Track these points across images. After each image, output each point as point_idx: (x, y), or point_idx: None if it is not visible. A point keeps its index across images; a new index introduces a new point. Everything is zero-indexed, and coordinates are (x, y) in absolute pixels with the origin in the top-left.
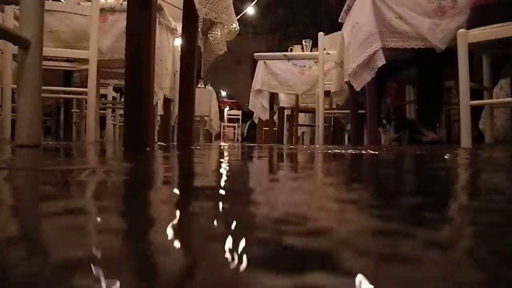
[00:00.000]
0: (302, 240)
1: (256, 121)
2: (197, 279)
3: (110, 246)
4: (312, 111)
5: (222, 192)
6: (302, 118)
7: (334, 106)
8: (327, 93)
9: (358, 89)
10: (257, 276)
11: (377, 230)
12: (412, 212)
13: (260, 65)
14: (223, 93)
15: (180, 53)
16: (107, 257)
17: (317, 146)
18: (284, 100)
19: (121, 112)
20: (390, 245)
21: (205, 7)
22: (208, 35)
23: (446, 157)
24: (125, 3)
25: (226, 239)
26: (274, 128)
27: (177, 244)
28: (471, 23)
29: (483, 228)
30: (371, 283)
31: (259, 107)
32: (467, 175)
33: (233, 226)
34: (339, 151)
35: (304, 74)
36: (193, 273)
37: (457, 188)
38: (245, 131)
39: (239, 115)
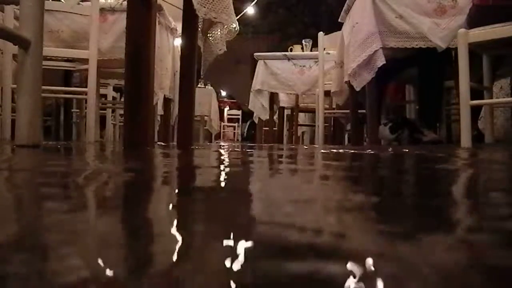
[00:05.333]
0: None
1: (256, 121)
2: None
3: (110, 245)
4: (312, 111)
5: (221, 192)
6: (302, 118)
7: (334, 106)
8: (327, 93)
9: (358, 89)
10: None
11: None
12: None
13: (260, 65)
14: (223, 93)
15: (180, 53)
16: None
17: (317, 146)
18: (284, 100)
19: (121, 112)
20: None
21: (204, 7)
22: (208, 35)
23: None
24: (125, 3)
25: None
26: (274, 128)
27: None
28: (474, 20)
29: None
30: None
31: (259, 107)
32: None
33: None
34: (341, 151)
35: (304, 74)
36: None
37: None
38: (245, 131)
39: (239, 115)
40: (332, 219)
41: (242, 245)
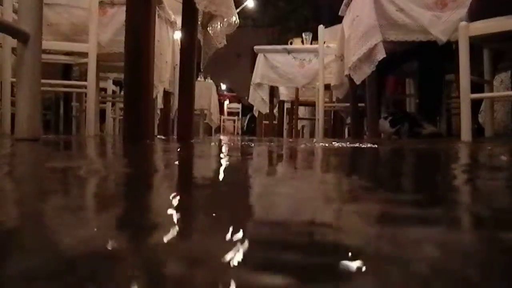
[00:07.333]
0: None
1: (256, 114)
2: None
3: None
4: (312, 104)
5: (219, 184)
6: (302, 111)
7: (334, 100)
8: (327, 86)
9: (358, 83)
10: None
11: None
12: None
13: (260, 58)
14: (223, 87)
15: (180, 46)
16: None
17: (317, 139)
18: (284, 93)
19: (121, 105)
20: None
21: (204, 0)
22: (208, 28)
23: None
24: None
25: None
26: (274, 122)
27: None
28: (475, 13)
29: None
30: None
31: (259, 100)
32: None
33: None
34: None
35: (304, 67)
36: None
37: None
38: (245, 124)
39: (239, 108)
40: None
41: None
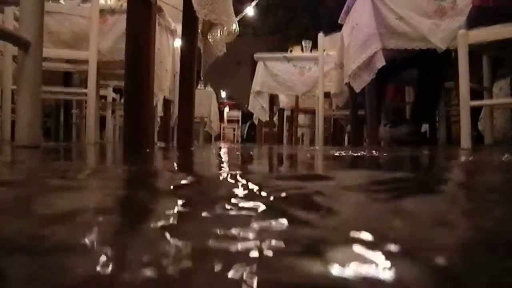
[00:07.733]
0: None
1: (256, 122)
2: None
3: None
4: (312, 112)
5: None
6: (302, 119)
7: (334, 107)
8: (327, 94)
9: (358, 91)
10: None
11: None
12: None
13: (259, 66)
14: (223, 94)
15: (180, 54)
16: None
17: (317, 147)
18: (284, 101)
19: (121, 113)
20: None
21: (204, 9)
22: (208, 37)
23: None
24: (125, 4)
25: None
26: (274, 129)
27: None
28: (474, 21)
29: None
30: None
31: (258, 108)
32: None
33: None
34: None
35: (303, 75)
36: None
37: None
38: (245, 132)
39: (239, 116)
40: None
41: None
